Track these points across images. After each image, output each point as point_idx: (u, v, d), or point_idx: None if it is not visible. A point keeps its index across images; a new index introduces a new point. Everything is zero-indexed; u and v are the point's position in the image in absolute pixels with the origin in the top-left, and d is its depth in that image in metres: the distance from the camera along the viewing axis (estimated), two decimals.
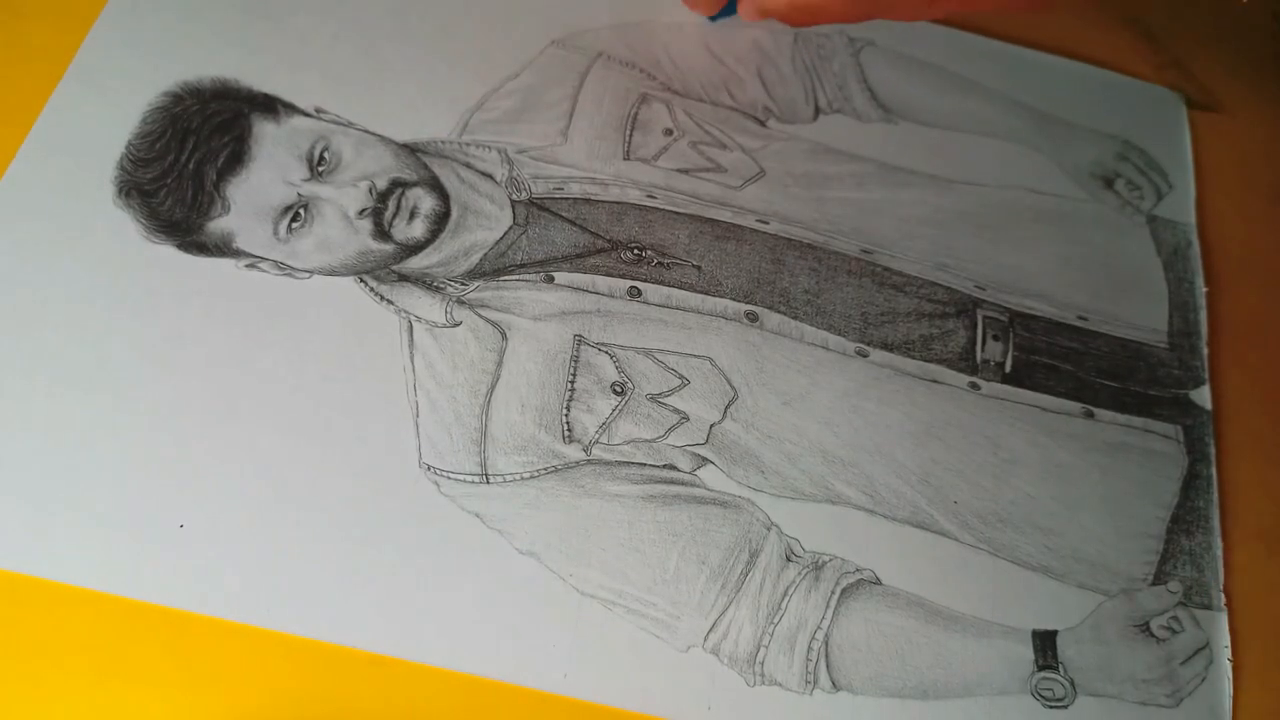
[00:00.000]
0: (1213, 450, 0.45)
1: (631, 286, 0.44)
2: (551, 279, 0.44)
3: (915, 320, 0.45)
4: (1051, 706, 0.39)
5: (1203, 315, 0.48)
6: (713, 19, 0.50)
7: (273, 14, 0.49)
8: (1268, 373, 0.47)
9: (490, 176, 0.46)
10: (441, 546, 0.38)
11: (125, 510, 0.37)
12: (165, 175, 0.43)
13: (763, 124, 0.50)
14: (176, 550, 0.37)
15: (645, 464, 0.41)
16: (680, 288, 0.44)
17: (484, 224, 0.45)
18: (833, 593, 0.39)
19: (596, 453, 0.41)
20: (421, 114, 0.47)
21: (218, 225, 0.43)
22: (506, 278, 0.43)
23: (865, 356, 0.44)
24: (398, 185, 0.45)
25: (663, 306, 0.44)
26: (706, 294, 0.44)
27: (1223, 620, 0.41)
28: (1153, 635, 0.40)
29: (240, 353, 0.40)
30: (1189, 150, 0.53)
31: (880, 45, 0.53)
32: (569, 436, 0.41)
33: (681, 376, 0.42)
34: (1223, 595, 0.42)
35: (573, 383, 0.42)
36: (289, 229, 0.43)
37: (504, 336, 0.42)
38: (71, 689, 0.35)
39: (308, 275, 0.42)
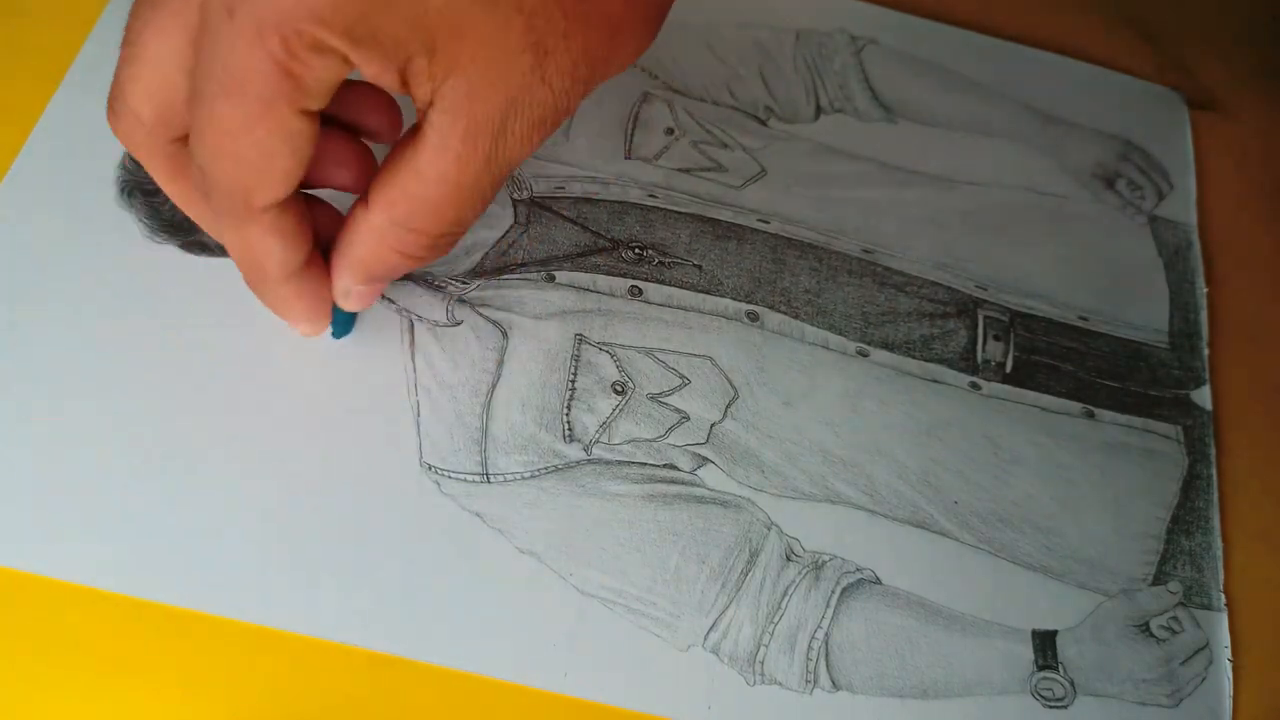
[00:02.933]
0: (1213, 450, 0.45)
1: (632, 286, 0.44)
2: (553, 278, 0.44)
3: (916, 320, 0.45)
4: (1051, 706, 0.39)
5: (1203, 315, 0.48)
6: (335, 336, 0.41)
7: None
8: (1268, 373, 0.47)
9: None
10: (442, 545, 0.38)
11: (124, 508, 0.37)
12: None
13: (764, 123, 0.50)
14: (175, 547, 0.37)
15: (646, 463, 0.41)
16: (681, 287, 0.44)
17: (485, 223, 0.45)
18: (833, 592, 0.39)
19: (597, 452, 0.41)
20: None
21: None
22: (508, 276, 0.44)
23: (866, 356, 0.44)
24: None
25: (664, 306, 0.44)
26: (707, 293, 0.44)
27: (1223, 620, 0.41)
28: (1153, 635, 0.40)
29: (242, 352, 0.41)
30: (1190, 150, 0.53)
31: (883, 44, 0.53)
32: (570, 436, 0.41)
33: (682, 376, 0.42)
34: (1223, 595, 0.42)
35: (573, 382, 0.42)
36: None
37: (505, 335, 0.42)
38: (70, 687, 0.35)
39: None
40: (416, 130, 0.30)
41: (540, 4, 0.29)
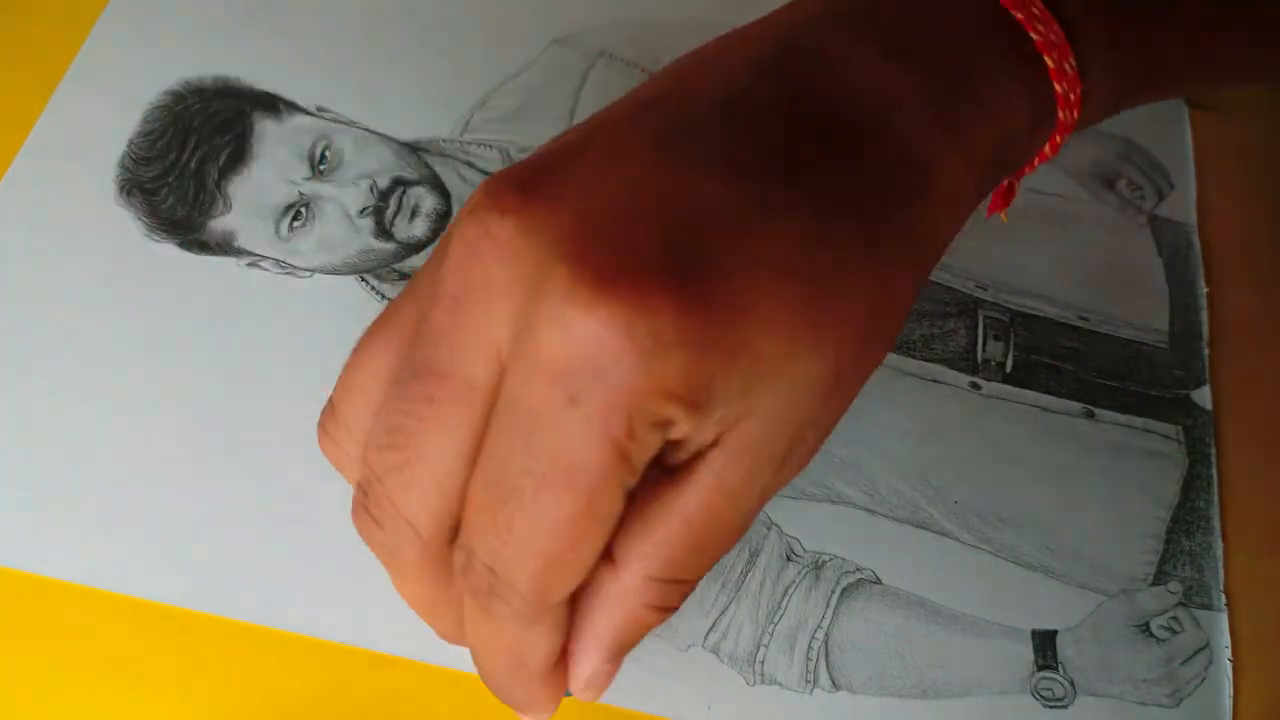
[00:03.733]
0: (1213, 450, 0.45)
1: None
2: None
3: (916, 320, 0.45)
4: (1051, 706, 0.39)
5: (1204, 315, 0.48)
6: None
7: (274, 13, 0.49)
8: (1268, 373, 0.47)
9: None
10: None
11: (124, 508, 0.37)
12: (167, 174, 0.43)
13: None
14: (174, 547, 0.37)
15: None
16: None
17: None
18: (833, 592, 0.39)
19: None
20: (423, 112, 0.47)
21: (219, 224, 0.43)
22: None
23: None
24: (399, 184, 0.45)
25: None
26: None
27: (1223, 620, 0.41)
28: (1153, 635, 0.40)
29: (242, 351, 0.41)
30: (1190, 150, 0.53)
31: None
32: None
33: None
34: (1223, 595, 0.42)
35: None
36: (290, 228, 0.43)
37: None
38: (69, 687, 0.35)
39: (309, 274, 0.43)
40: (676, 471, 0.26)
41: (848, 334, 0.26)
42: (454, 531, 0.27)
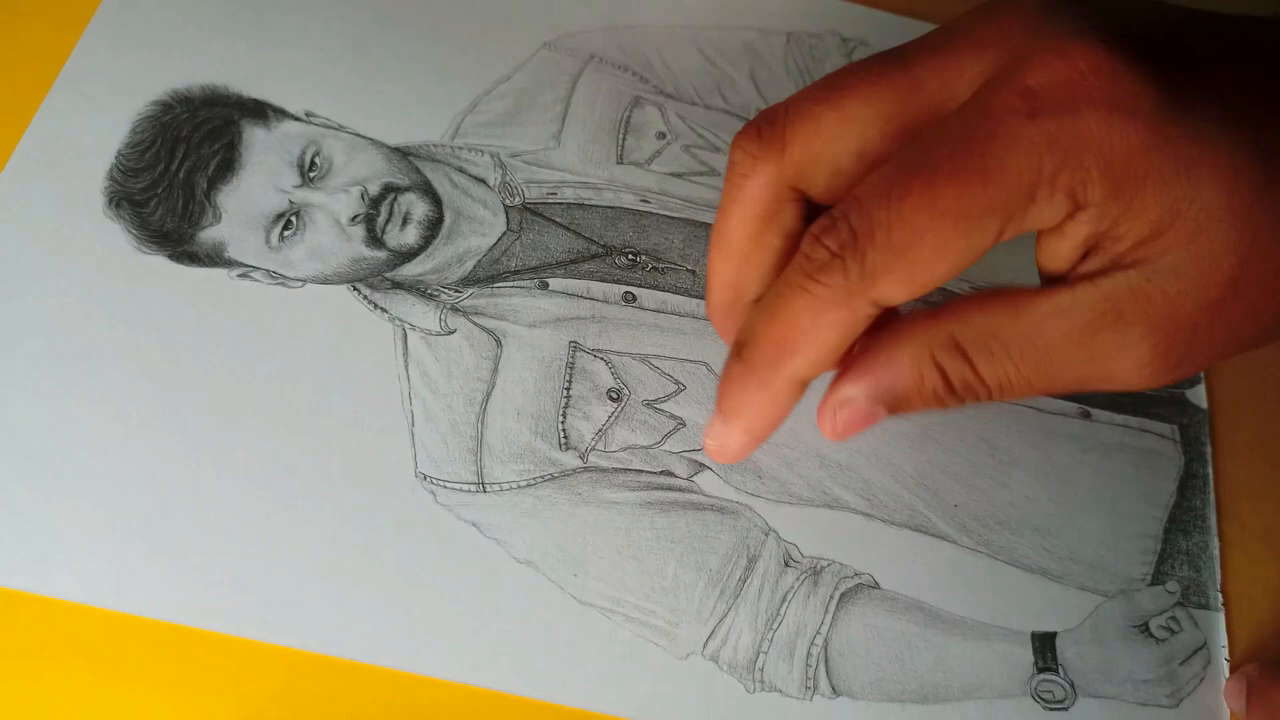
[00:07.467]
0: (1209, 449, 0.45)
1: (626, 292, 0.44)
2: (546, 285, 0.43)
3: None
4: (1052, 708, 0.39)
5: None
6: None
7: (261, 17, 0.48)
8: (1264, 371, 0.47)
9: (483, 181, 0.46)
10: (439, 556, 0.38)
11: (116, 523, 0.37)
12: (156, 185, 0.43)
13: None
14: (170, 563, 0.37)
15: (642, 470, 0.40)
16: (675, 292, 0.44)
17: (477, 230, 0.44)
18: (831, 597, 0.39)
19: (593, 460, 0.40)
20: (413, 116, 0.47)
21: (209, 235, 0.43)
22: (500, 284, 0.43)
23: None
24: (390, 190, 0.44)
25: (658, 312, 0.44)
26: (701, 298, 0.44)
27: (1220, 620, 0.41)
28: (1152, 636, 0.40)
29: (234, 363, 0.40)
30: None
31: (873, 45, 0.53)
32: (565, 444, 0.40)
33: (677, 382, 0.42)
34: (1220, 595, 0.42)
35: (568, 390, 0.41)
36: (281, 237, 0.43)
37: (499, 344, 0.42)
38: (65, 707, 0.34)
39: (300, 284, 0.42)
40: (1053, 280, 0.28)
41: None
42: (799, 193, 0.30)
